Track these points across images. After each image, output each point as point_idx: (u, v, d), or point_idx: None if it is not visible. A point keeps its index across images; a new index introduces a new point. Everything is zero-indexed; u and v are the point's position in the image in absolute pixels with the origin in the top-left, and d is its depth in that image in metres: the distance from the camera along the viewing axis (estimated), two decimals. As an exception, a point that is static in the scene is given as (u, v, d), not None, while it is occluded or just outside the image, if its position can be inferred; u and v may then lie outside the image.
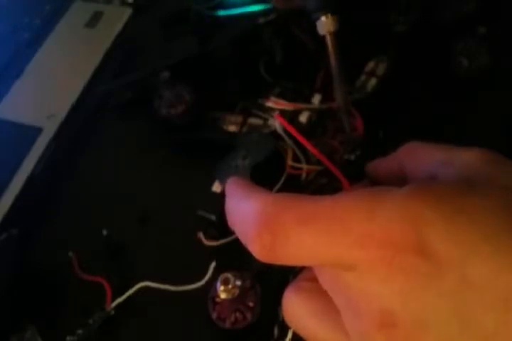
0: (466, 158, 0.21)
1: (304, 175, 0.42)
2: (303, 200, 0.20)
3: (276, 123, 0.43)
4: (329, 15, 0.37)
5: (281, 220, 0.19)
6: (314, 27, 0.39)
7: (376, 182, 0.27)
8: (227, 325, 0.36)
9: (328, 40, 0.38)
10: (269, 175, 0.41)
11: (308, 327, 0.21)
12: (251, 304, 0.36)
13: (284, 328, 0.36)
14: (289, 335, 0.35)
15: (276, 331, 0.36)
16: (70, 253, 0.41)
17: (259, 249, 0.20)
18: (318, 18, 0.38)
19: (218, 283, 0.35)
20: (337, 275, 0.19)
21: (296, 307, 0.22)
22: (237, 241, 0.39)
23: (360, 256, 0.18)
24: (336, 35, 0.38)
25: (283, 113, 0.44)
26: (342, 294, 0.19)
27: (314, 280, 0.21)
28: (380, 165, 0.26)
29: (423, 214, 0.17)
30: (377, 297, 0.18)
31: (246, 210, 0.21)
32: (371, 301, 0.18)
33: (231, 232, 0.40)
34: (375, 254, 0.17)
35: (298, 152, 0.42)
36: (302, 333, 0.22)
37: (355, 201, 0.19)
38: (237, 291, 0.35)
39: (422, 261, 0.17)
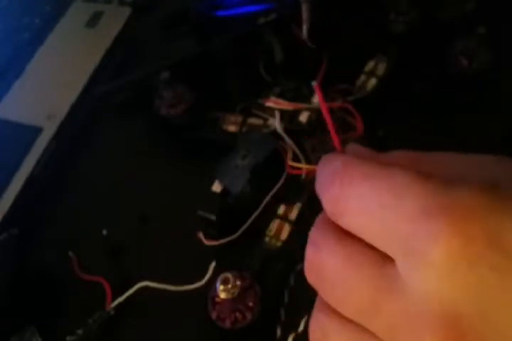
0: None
1: (303, 175, 0.42)
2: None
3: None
4: None
5: (350, 172, 0.18)
6: (314, 27, 0.39)
7: None
8: (227, 324, 0.36)
9: None
10: (269, 175, 0.41)
11: None
12: (251, 304, 0.36)
13: (286, 328, 0.36)
14: (291, 338, 0.35)
15: (278, 331, 0.36)
16: (70, 253, 0.41)
17: (326, 200, 0.19)
18: None
19: (218, 283, 0.35)
20: (380, 267, 0.16)
21: (334, 337, 0.18)
22: (237, 241, 0.39)
23: (423, 227, 0.15)
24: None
25: (283, 113, 0.44)
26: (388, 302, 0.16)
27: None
28: None
29: (498, 209, 0.15)
30: (436, 298, 0.14)
31: (324, 172, 0.20)
32: (429, 304, 0.15)
33: (231, 232, 0.40)
34: (442, 228, 0.14)
35: (298, 152, 0.42)
36: None
37: (427, 176, 0.16)
38: (236, 291, 0.35)
39: (496, 254, 0.14)
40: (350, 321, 0.17)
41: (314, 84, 0.24)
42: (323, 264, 0.18)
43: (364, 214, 0.17)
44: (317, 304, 0.19)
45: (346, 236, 0.18)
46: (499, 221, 0.14)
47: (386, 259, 0.16)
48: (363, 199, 0.17)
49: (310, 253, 0.19)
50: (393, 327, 0.15)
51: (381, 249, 0.16)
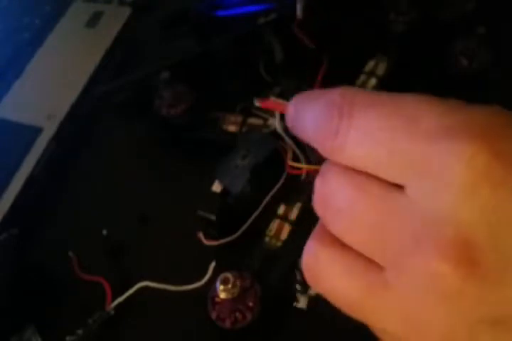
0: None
1: (303, 175, 0.42)
2: (374, 92, 0.17)
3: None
4: None
5: (349, 101, 0.16)
6: (314, 27, 0.39)
7: None
8: (227, 324, 0.36)
9: None
10: (269, 175, 0.41)
11: (338, 287, 0.17)
12: (251, 304, 0.36)
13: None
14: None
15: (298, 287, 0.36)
16: (70, 253, 0.41)
17: (322, 138, 0.17)
18: None
19: (218, 283, 0.35)
20: (389, 193, 0.15)
21: (325, 265, 0.17)
22: (237, 241, 0.39)
23: (442, 146, 0.13)
24: None
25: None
26: (393, 226, 0.15)
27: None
28: None
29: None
30: (451, 220, 0.13)
31: (316, 107, 0.17)
32: (442, 226, 0.13)
33: (231, 232, 0.40)
34: (464, 147, 0.13)
35: (298, 152, 0.42)
36: (331, 295, 0.17)
37: (435, 98, 0.15)
38: (236, 291, 0.35)
39: None
40: (345, 250, 0.17)
41: (257, 102, 0.22)
42: (331, 192, 0.17)
43: (368, 140, 0.15)
44: (313, 234, 0.18)
45: (353, 169, 0.16)
46: None
47: (394, 186, 0.15)
48: (367, 125, 0.15)
49: (318, 184, 0.18)
50: (399, 251, 0.14)
51: (389, 176, 0.15)
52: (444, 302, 0.13)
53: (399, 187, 0.15)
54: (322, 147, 0.17)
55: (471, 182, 0.13)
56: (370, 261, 0.16)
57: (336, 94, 0.17)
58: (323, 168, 0.18)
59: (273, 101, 0.21)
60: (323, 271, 0.17)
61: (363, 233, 0.16)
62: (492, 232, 0.13)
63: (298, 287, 0.37)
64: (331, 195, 0.17)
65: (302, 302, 0.36)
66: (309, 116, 0.17)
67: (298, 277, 0.37)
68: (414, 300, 0.14)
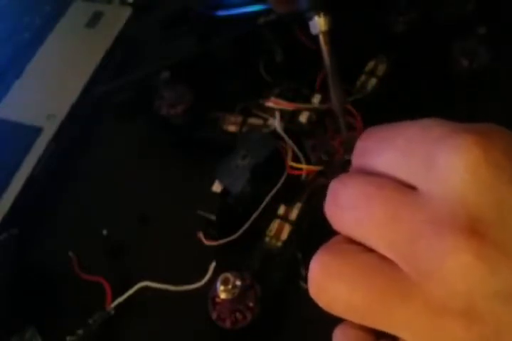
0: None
1: (303, 175, 0.42)
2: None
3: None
4: (321, 14, 0.37)
5: (365, 142, 0.19)
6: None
7: None
8: (227, 325, 0.36)
9: (321, 40, 0.38)
10: (269, 175, 0.41)
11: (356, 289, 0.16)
12: (251, 304, 0.36)
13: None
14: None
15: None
16: (70, 253, 0.41)
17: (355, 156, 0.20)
18: (310, 18, 0.37)
19: (218, 283, 0.35)
20: (402, 189, 0.17)
21: (334, 277, 0.17)
22: (237, 241, 0.39)
23: (446, 143, 0.16)
24: (329, 34, 0.37)
25: (283, 113, 0.44)
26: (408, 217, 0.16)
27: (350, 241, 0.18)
28: None
29: None
30: (460, 202, 0.15)
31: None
32: (453, 208, 0.15)
33: (231, 232, 0.40)
34: (464, 141, 0.15)
35: (298, 152, 0.42)
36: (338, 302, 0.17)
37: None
38: (237, 291, 0.35)
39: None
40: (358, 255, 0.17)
41: None
42: (345, 190, 0.18)
43: (388, 147, 0.18)
44: (320, 248, 0.18)
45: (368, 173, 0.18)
46: None
47: (408, 187, 0.17)
48: (387, 142, 0.18)
49: (332, 184, 0.19)
50: (415, 235, 0.15)
51: (405, 177, 0.17)
52: (461, 273, 0.14)
53: (412, 187, 0.17)
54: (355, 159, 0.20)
55: (471, 169, 0.15)
56: (383, 259, 0.16)
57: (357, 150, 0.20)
58: (341, 175, 0.19)
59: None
60: (338, 274, 0.17)
61: (377, 222, 0.16)
62: (498, 208, 0.15)
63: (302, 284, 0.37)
64: (344, 192, 0.18)
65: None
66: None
67: (302, 273, 0.37)
68: (434, 280, 0.15)
